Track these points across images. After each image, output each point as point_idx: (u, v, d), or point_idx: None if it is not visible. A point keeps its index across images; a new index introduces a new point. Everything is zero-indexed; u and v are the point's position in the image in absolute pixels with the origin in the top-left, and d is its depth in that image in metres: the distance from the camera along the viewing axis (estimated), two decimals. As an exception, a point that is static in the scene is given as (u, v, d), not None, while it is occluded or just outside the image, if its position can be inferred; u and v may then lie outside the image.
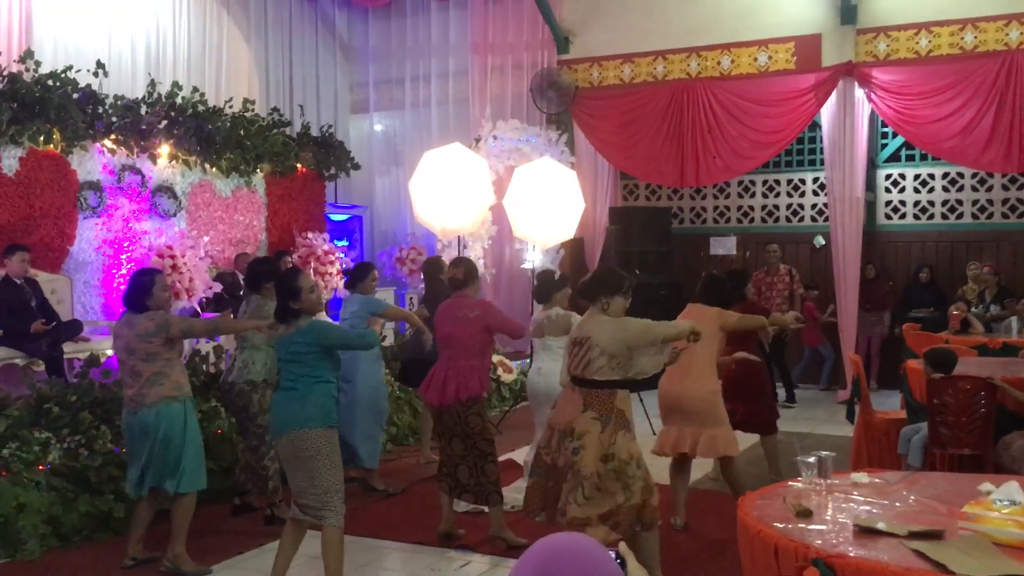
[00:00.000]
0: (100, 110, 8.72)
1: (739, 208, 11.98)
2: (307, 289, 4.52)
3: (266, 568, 4.75)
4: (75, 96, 8.38)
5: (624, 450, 4.33)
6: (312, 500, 4.41)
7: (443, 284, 7.27)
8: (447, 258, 10.38)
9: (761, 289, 9.93)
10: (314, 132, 11.79)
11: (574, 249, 11.55)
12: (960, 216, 10.89)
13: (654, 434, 7.70)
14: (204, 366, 7.23)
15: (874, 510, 3.36)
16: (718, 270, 7.10)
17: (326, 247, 11.05)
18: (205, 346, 7.87)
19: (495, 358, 10.09)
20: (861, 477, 3.76)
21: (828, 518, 3.28)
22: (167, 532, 5.05)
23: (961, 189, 10.88)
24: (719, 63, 11.10)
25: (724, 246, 11.87)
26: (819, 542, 2.98)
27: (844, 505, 3.44)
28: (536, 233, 9.71)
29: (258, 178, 10.78)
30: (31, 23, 9.21)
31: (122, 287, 8.61)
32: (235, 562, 5.23)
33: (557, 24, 11.84)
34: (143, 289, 5.02)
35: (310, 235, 11.05)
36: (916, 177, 11.12)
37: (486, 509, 5.93)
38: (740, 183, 11.87)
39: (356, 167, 12.30)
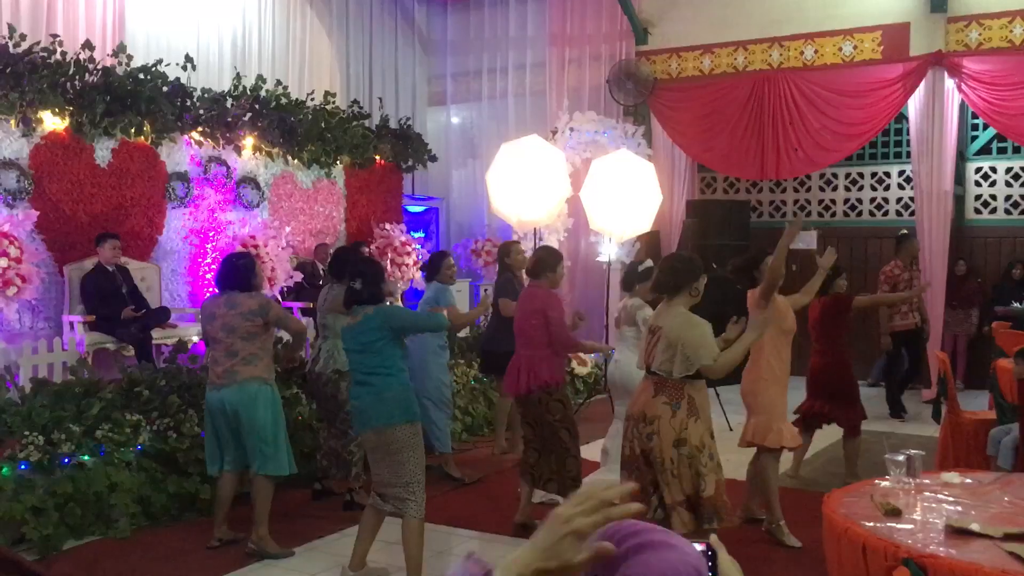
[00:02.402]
0: (188, 103, 8.95)
1: (820, 202, 11.73)
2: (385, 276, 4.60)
3: (345, 552, 4.84)
4: (165, 89, 8.62)
5: (696, 437, 4.27)
6: (395, 491, 4.46)
7: (509, 270, 7.27)
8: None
9: (898, 286, 8.74)
10: (392, 124, 11.93)
11: (650, 242, 11.45)
12: (1055, 211, 10.50)
13: (731, 430, 7.65)
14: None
15: (966, 510, 3.27)
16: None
17: (403, 238, 11.18)
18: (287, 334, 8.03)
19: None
20: (952, 477, 3.67)
21: (917, 518, 3.21)
22: (250, 514, 5.18)
23: (1057, 183, 10.50)
24: (802, 53, 10.87)
25: (804, 240, 11.59)
26: (909, 541, 2.92)
27: (934, 505, 3.36)
28: (612, 226, 9.66)
29: (338, 170, 10.96)
30: (124, 19, 9.50)
31: (208, 275, 8.88)
32: (315, 546, 5.33)
33: (636, 15, 11.74)
34: (248, 269, 5.14)
35: (387, 226, 11.19)
36: (1008, 170, 10.74)
37: (559, 499, 5.95)
38: (822, 176, 11.62)
39: (433, 159, 12.41)
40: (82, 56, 7.98)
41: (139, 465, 5.62)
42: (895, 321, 8.67)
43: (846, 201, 11.59)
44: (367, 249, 10.27)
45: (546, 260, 5.52)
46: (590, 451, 7.45)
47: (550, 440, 5.36)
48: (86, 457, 5.45)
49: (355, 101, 11.57)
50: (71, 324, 7.68)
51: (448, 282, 6.68)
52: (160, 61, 8.66)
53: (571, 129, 11.29)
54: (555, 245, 11.10)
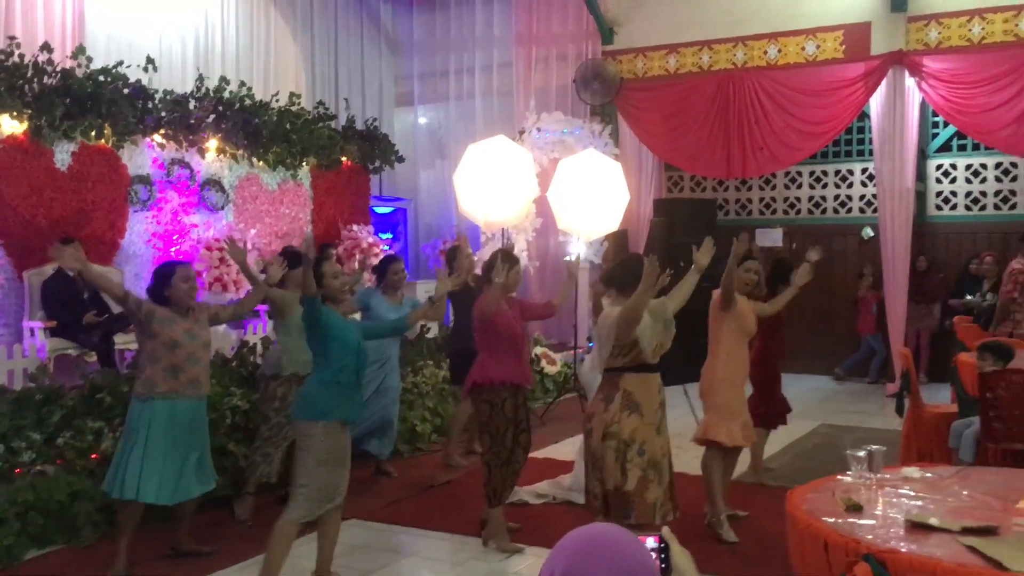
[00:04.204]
0: (150, 105, 8.86)
1: (785, 199, 11.84)
2: (330, 275, 4.58)
3: (312, 557, 4.81)
4: (126, 91, 8.52)
5: (627, 431, 4.25)
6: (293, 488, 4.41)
7: (456, 272, 7.22)
8: (490, 251, 10.45)
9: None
10: (359, 125, 11.88)
11: (618, 241, 11.49)
12: (1013, 207, 10.66)
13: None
14: (252, 357, 7.32)
15: (926, 505, 3.31)
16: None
17: (371, 239, 11.14)
18: (252, 337, 7.97)
19: (539, 350, 10.09)
20: (913, 472, 3.71)
21: (878, 513, 3.24)
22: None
23: (1015, 179, 10.66)
24: (766, 52, 10.96)
25: (770, 238, 11.73)
26: (870, 537, 2.95)
27: (895, 500, 3.40)
28: (580, 225, 9.67)
29: (304, 171, 10.89)
30: (84, 19, 9.38)
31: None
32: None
33: (601, 15, 11.78)
34: (158, 279, 4.87)
35: (355, 228, 11.14)
36: (968, 167, 10.90)
37: (530, 501, 5.97)
38: (786, 174, 11.73)
39: (400, 160, 12.37)
40: (40, 58, 7.86)
41: (102, 473, 5.51)
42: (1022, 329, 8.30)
43: (810, 199, 11.70)
44: (334, 251, 10.21)
45: (490, 261, 5.45)
46: (559, 451, 7.48)
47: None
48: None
49: (321, 102, 11.50)
50: (31, 330, 7.57)
51: (395, 287, 6.59)
52: (121, 63, 8.56)
53: (538, 129, 11.30)
54: (523, 245, 11.12)
